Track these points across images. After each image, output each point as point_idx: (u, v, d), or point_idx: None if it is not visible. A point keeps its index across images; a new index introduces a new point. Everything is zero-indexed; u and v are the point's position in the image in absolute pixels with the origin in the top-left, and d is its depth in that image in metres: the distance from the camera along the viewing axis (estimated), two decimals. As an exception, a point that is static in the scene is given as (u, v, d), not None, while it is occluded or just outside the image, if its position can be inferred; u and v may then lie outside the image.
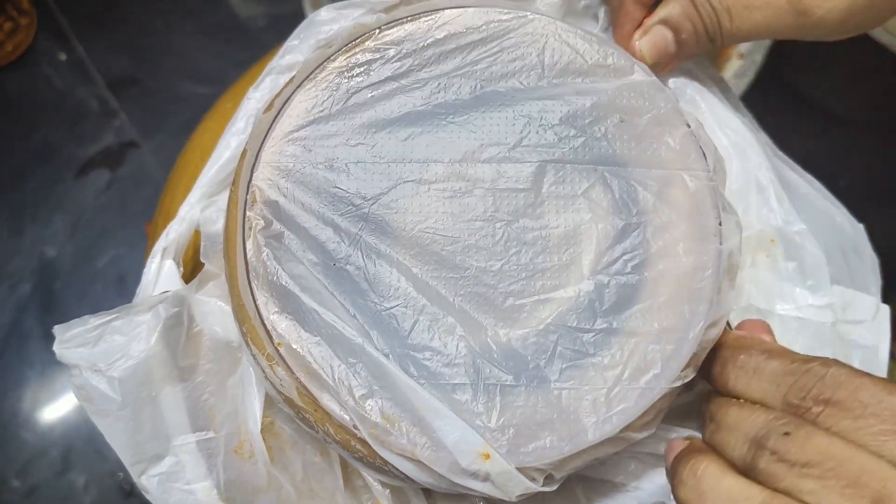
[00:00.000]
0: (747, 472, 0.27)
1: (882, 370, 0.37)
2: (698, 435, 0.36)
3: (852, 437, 0.26)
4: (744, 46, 0.77)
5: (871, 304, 0.37)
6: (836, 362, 0.27)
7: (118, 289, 0.83)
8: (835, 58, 0.78)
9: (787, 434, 0.26)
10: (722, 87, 0.40)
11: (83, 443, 0.79)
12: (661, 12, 0.37)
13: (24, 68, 0.88)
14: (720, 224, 0.33)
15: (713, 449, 0.29)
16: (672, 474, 0.29)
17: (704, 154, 0.34)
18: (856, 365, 0.36)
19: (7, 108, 0.87)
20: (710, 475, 0.27)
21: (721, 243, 0.33)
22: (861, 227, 0.40)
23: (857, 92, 0.78)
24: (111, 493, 0.79)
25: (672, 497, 0.29)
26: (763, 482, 0.26)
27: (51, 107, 0.88)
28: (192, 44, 0.91)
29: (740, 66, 0.78)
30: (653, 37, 0.37)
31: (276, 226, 0.33)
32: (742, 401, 0.29)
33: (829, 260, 0.39)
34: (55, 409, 0.80)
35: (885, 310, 0.37)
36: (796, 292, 0.38)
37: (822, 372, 0.27)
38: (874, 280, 0.40)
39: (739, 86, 0.77)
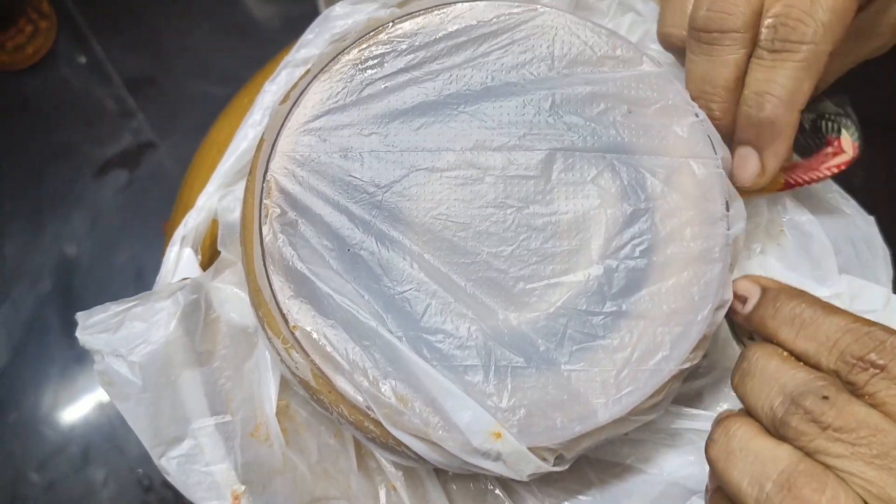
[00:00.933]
0: (777, 426, 0.27)
1: None
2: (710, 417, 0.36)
3: (890, 408, 0.25)
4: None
5: (881, 293, 0.37)
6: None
7: (136, 284, 0.84)
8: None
9: (825, 398, 0.26)
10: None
11: (102, 438, 0.80)
12: None
13: (44, 70, 0.89)
14: (727, 210, 0.34)
15: (743, 395, 0.29)
16: (708, 436, 0.29)
17: (712, 142, 0.34)
18: None
19: (28, 109, 0.88)
20: (741, 435, 0.27)
21: (728, 229, 0.33)
22: (872, 218, 0.40)
23: (873, 90, 0.78)
24: (130, 487, 0.80)
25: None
26: (791, 439, 0.26)
27: (70, 108, 0.89)
28: (207, 44, 0.92)
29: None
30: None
31: (292, 213, 0.33)
32: (786, 354, 0.29)
33: (839, 250, 0.39)
34: (75, 405, 0.82)
35: None
36: (805, 281, 0.38)
37: (884, 338, 0.26)
38: (885, 270, 0.40)
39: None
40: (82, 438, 0.80)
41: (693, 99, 0.35)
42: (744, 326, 0.33)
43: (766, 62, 0.32)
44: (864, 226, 0.41)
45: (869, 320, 0.28)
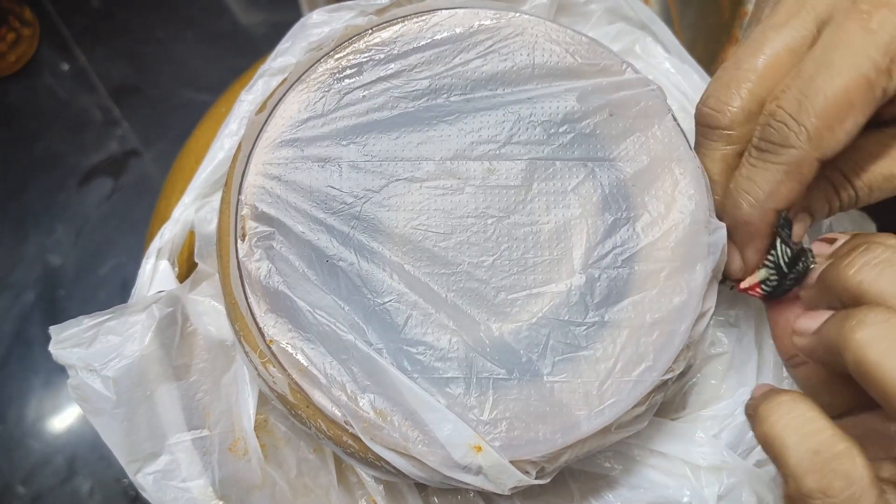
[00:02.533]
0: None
1: None
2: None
3: None
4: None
5: None
6: None
7: (122, 295, 0.83)
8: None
9: None
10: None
11: (88, 449, 0.80)
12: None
13: (26, 78, 0.89)
14: (710, 217, 0.33)
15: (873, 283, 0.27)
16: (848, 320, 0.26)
17: (691, 146, 0.34)
18: None
19: (10, 117, 0.88)
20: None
21: (710, 235, 0.33)
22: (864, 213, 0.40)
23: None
24: (116, 498, 0.79)
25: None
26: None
27: (53, 116, 0.88)
28: (193, 52, 0.91)
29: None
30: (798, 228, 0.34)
31: (268, 225, 0.33)
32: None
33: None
34: (60, 416, 0.81)
35: None
36: None
37: None
38: None
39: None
40: (67, 449, 0.80)
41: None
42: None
43: (752, 160, 0.32)
44: (859, 219, 0.41)
45: None
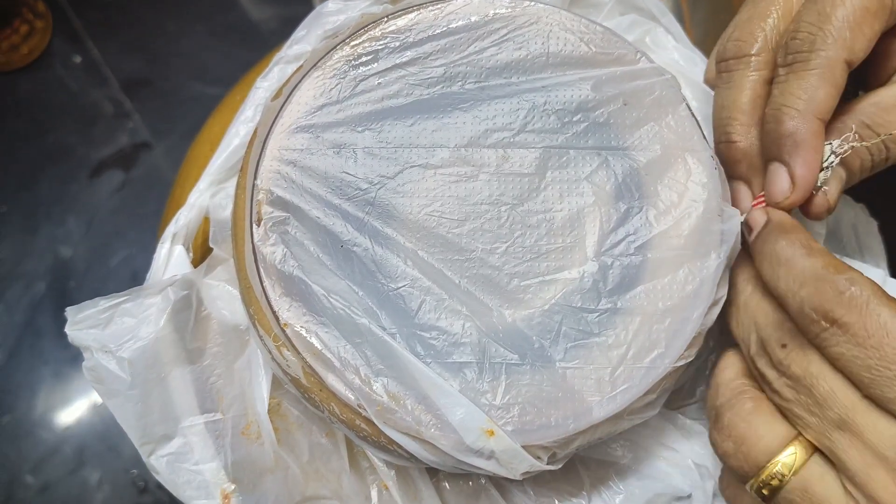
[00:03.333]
0: (750, 364, 0.31)
1: None
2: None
3: (842, 364, 0.27)
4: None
5: (877, 275, 0.37)
6: (864, 280, 0.27)
7: (131, 287, 0.83)
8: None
9: (784, 346, 0.29)
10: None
11: (97, 440, 0.80)
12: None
13: (39, 70, 0.89)
14: (723, 205, 0.33)
15: (729, 325, 0.33)
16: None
17: (705, 135, 0.34)
18: None
19: (22, 109, 0.88)
20: (721, 366, 0.32)
21: (723, 224, 0.33)
22: (862, 205, 0.40)
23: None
24: (125, 489, 0.79)
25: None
26: (758, 378, 0.31)
27: (65, 108, 0.89)
28: (203, 45, 0.91)
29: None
30: (833, 185, 0.34)
31: (283, 210, 0.33)
32: (763, 292, 0.31)
33: (839, 232, 0.39)
34: (69, 407, 0.81)
35: (894, 283, 0.37)
36: None
37: (844, 288, 0.27)
38: (882, 255, 0.40)
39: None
40: (76, 440, 0.80)
41: (714, 130, 0.35)
42: None
43: (781, 78, 0.32)
44: (861, 210, 0.41)
45: (840, 266, 0.28)
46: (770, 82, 0.34)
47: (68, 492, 0.79)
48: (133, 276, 0.84)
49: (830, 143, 0.32)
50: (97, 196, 0.87)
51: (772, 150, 0.33)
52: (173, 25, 0.92)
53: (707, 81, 0.40)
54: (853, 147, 0.32)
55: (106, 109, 0.89)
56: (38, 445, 0.80)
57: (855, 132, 0.32)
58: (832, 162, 0.32)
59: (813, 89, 0.31)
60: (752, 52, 0.34)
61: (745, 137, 0.34)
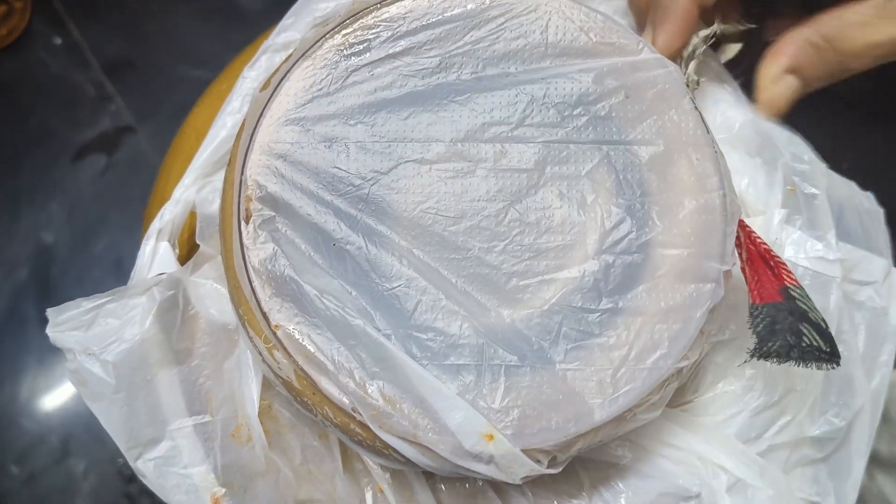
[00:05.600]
0: None
1: (893, 336, 0.36)
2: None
3: None
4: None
5: (881, 265, 0.36)
6: None
7: (115, 274, 0.82)
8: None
9: None
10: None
11: (82, 429, 0.79)
12: (782, 60, 0.37)
13: (19, 52, 0.87)
14: (726, 202, 0.33)
15: None
16: None
17: (709, 130, 0.33)
18: (861, 329, 0.36)
19: (2, 92, 0.86)
20: None
21: (727, 223, 0.32)
22: (870, 193, 0.39)
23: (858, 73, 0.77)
24: (111, 479, 0.78)
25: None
26: None
27: (46, 91, 0.87)
28: (188, 27, 0.89)
29: (738, 51, 0.77)
30: (784, 88, 0.37)
31: (273, 206, 0.32)
32: None
33: (844, 217, 0.38)
34: (53, 396, 0.80)
35: None
36: (807, 242, 0.37)
37: None
38: (885, 243, 0.39)
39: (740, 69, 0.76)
40: (61, 429, 0.79)
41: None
42: None
43: None
44: (867, 199, 0.40)
45: None
46: None
47: (54, 481, 0.78)
48: (117, 261, 0.83)
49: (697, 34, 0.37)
50: (80, 181, 0.85)
51: (652, 13, 0.37)
52: (156, 6, 0.90)
53: None
54: (714, 33, 0.37)
55: (88, 92, 0.87)
56: (22, 435, 0.78)
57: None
58: (699, 49, 0.37)
59: None
60: None
61: None
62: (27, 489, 0.77)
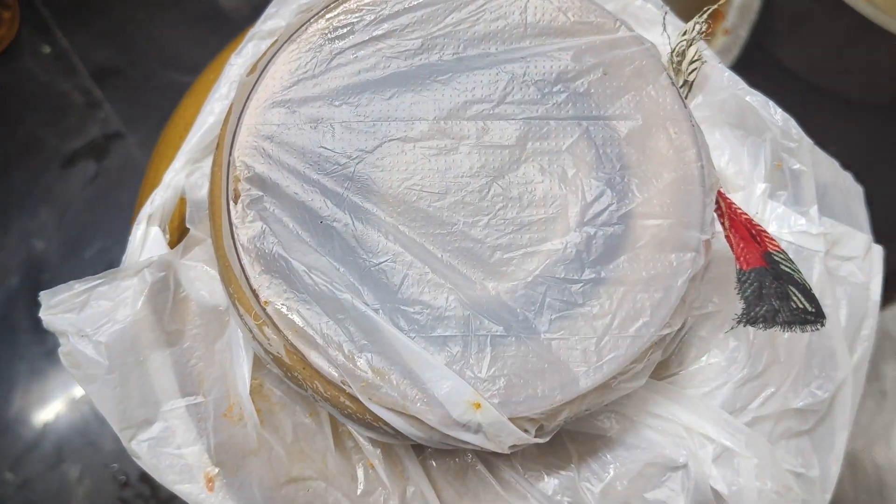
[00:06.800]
0: None
1: (874, 310, 0.37)
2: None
3: None
4: (729, 22, 0.77)
5: (863, 241, 0.37)
6: None
7: (107, 277, 0.82)
8: (818, 31, 0.78)
9: None
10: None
11: (76, 435, 0.79)
12: None
13: (7, 62, 0.87)
14: (704, 174, 0.33)
15: None
16: None
17: (686, 104, 0.34)
18: (843, 303, 0.37)
19: (-9, 101, 0.87)
20: None
21: (705, 193, 0.33)
22: (849, 173, 0.40)
23: (842, 64, 0.78)
24: (105, 484, 0.78)
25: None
26: None
27: (35, 99, 0.87)
28: (175, 33, 0.90)
29: (725, 41, 0.78)
30: None
31: (261, 186, 0.32)
32: None
33: (828, 193, 0.39)
34: (47, 402, 0.80)
35: (878, 249, 0.37)
36: (791, 216, 0.38)
37: None
38: (864, 220, 0.40)
39: (725, 61, 0.77)
40: (55, 436, 0.79)
41: None
42: None
43: None
44: (847, 178, 0.41)
45: None
46: None
47: (48, 487, 0.78)
48: (108, 267, 0.82)
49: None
50: (70, 188, 0.85)
51: None
52: (143, 14, 0.91)
53: None
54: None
55: (77, 100, 0.87)
56: (16, 442, 0.78)
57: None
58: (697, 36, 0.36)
59: None
60: None
61: None
62: (21, 495, 0.77)
